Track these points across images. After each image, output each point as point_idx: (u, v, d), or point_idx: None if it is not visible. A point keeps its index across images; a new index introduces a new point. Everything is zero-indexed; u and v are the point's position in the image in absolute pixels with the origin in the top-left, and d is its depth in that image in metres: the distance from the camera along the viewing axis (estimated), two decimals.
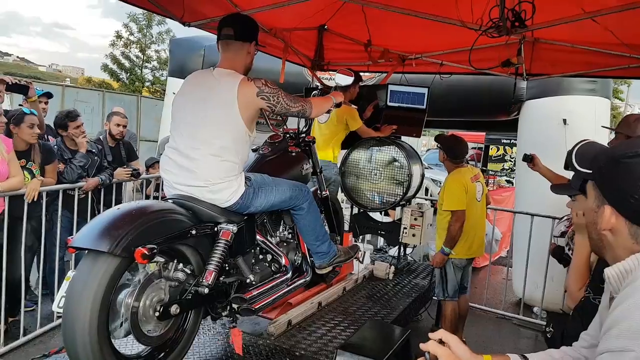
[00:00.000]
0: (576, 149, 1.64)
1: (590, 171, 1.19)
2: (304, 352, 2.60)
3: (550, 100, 5.36)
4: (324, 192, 3.38)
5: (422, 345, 1.17)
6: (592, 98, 5.22)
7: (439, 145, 4.02)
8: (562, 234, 3.37)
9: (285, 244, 2.93)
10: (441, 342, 1.21)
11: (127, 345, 2.33)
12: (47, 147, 4.02)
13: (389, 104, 4.31)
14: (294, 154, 3.06)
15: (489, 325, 5.05)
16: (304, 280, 2.93)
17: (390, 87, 4.34)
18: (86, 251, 1.88)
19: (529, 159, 3.72)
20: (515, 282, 5.57)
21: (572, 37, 3.70)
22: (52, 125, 4.53)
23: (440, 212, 3.99)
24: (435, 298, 4.42)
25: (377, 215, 5.15)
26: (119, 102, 13.17)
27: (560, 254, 3.34)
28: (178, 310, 2.03)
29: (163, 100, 10.74)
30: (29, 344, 3.74)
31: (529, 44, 3.86)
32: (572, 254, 3.01)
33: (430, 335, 1.22)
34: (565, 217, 3.48)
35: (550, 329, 2.17)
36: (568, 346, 1.36)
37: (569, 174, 2.14)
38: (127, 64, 28.33)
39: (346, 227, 4.45)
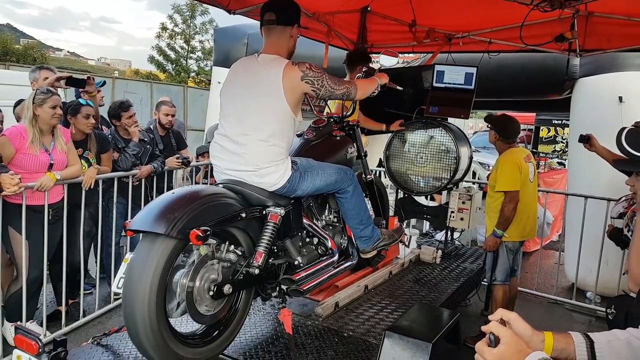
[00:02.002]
0: (623, 135, 1.54)
1: None
2: (352, 333, 2.62)
3: (604, 77, 5.08)
4: (368, 176, 3.38)
5: (483, 328, 1.16)
6: None
7: (489, 126, 3.92)
8: (620, 215, 3.26)
9: (331, 227, 2.95)
10: (502, 322, 1.19)
11: (183, 323, 2.42)
12: (103, 136, 4.18)
13: (435, 85, 4.21)
14: (338, 138, 3.06)
15: (540, 310, 4.94)
16: (350, 263, 2.95)
17: (437, 68, 4.22)
18: (142, 234, 1.96)
19: (586, 140, 3.59)
20: (568, 267, 5.40)
21: (628, 10, 3.51)
22: (106, 116, 4.71)
23: (490, 195, 3.91)
24: (485, 282, 4.36)
25: (422, 200, 5.09)
26: (166, 92, 13.56)
27: (618, 236, 3.23)
28: (231, 290, 2.09)
29: (208, 90, 10.94)
30: (88, 324, 3.94)
31: (583, 18, 3.69)
32: (631, 235, 2.90)
33: (490, 317, 1.21)
34: (624, 198, 3.34)
35: (612, 310, 2.10)
36: (634, 328, 1.31)
37: None
38: (172, 55, 29.00)
39: (391, 212, 4.42)
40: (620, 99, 4.80)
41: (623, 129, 1.51)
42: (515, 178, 3.71)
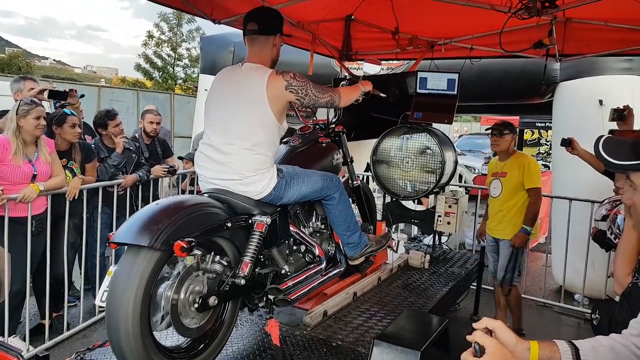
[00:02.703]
0: (601, 144, 1.56)
1: (635, 162, 1.15)
2: (341, 343, 2.60)
3: (585, 81, 5.20)
4: (355, 182, 3.39)
5: (468, 337, 1.16)
6: (628, 77, 5.03)
7: (506, 132, 4.06)
8: (604, 218, 3.28)
9: (318, 234, 2.95)
10: (487, 331, 1.19)
11: (168, 337, 2.39)
12: (87, 146, 4.15)
13: (419, 91, 4.25)
14: (324, 144, 3.07)
15: (530, 313, 4.94)
16: (338, 270, 2.94)
17: (420, 74, 4.27)
18: (127, 246, 1.94)
19: (567, 143, 3.65)
20: (555, 269, 5.44)
21: (605, 15, 3.57)
22: (91, 125, 4.67)
23: (509, 197, 4.04)
24: (474, 287, 4.38)
25: (410, 204, 5.11)
26: (152, 100, 13.46)
27: (602, 239, 3.25)
28: (216, 302, 2.07)
29: (195, 97, 10.91)
30: (73, 338, 3.88)
31: (561, 24, 3.74)
32: (614, 238, 2.93)
33: (475, 325, 1.21)
34: (607, 201, 3.38)
35: (597, 315, 2.10)
36: (617, 333, 1.32)
37: None
38: (159, 62, 28.87)
39: (379, 217, 4.44)
40: (601, 102, 4.88)
41: (600, 137, 1.53)
42: (540, 176, 4.01)
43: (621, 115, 3.58)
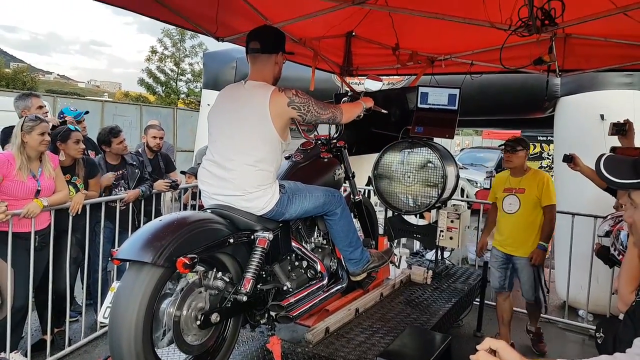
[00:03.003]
0: (602, 163, 1.56)
1: (636, 180, 1.15)
2: None
3: (585, 96, 5.23)
4: (356, 197, 3.40)
5: (472, 357, 1.16)
6: (629, 92, 5.05)
7: (518, 148, 4.04)
8: (607, 234, 3.27)
9: (320, 250, 2.95)
10: (491, 351, 1.19)
11: (170, 354, 2.38)
12: (91, 161, 4.17)
13: (420, 105, 4.28)
14: (326, 160, 3.09)
15: None
16: (340, 286, 2.94)
17: (421, 89, 4.30)
18: (130, 262, 1.95)
19: (569, 159, 3.65)
20: (559, 284, 5.40)
21: (605, 31, 3.60)
22: (95, 141, 4.71)
23: (528, 212, 4.01)
24: (477, 302, 4.34)
25: (412, 218, 5.10)
26: (155, 114, 13.57)
27: (605, 255, 3.24)
28: (218, 319, 2.07)
29: (198, 111, 10.99)
30: (74, 353, 3.84)
31: (561, 40, 3.77)
32: (617, 254, 2.91)
33: (478, 346, 1.21)
34: (610, 216, 3.37)
35: (601, 334, 2.09)
36: (621, 352, 1.31)
37: None
38: (162, 77, 29.08)
39: (381, 231, 4.43)
40: (602, 116, 4.89)
41: (601, 155, 1.53)
42: (555, 193, 4.04)
43: (621, 129, 3.57)
